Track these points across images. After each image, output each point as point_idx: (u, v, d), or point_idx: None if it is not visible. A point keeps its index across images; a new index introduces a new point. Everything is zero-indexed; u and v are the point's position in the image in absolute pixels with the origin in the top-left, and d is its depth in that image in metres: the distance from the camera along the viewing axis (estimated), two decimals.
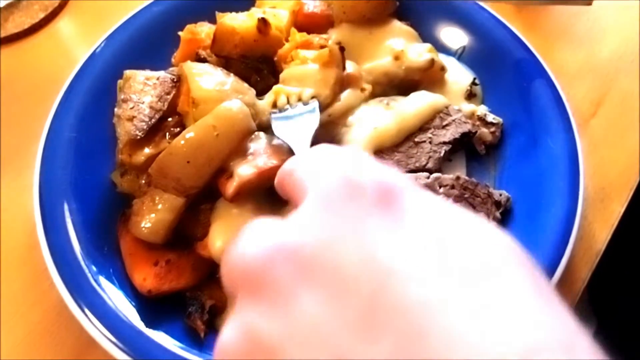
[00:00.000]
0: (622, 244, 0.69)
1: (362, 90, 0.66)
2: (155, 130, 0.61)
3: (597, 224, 0.65)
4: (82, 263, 0.56)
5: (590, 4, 0.62)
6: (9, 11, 0.84)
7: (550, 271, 0.55)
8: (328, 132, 0.62)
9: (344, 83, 0.64)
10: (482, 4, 0.74)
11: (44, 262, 0.56)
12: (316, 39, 0.68)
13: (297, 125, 0.58)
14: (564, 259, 0.56)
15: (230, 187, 0.55)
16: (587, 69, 0.78)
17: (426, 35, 0.74)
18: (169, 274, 0.56)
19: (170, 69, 0.67)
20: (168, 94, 0.63)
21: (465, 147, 0.67)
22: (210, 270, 0.58)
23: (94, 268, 0.57)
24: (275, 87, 0.63)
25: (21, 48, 0.82)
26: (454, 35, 0.75)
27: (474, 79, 0.71)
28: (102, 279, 0.56)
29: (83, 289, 0.55)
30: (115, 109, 0.62)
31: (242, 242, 0.28)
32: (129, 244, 0.58)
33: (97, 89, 0.68)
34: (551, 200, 0.59)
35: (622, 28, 0.82)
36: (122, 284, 0.57)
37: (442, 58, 0.71)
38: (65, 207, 0.60)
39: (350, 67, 0.66)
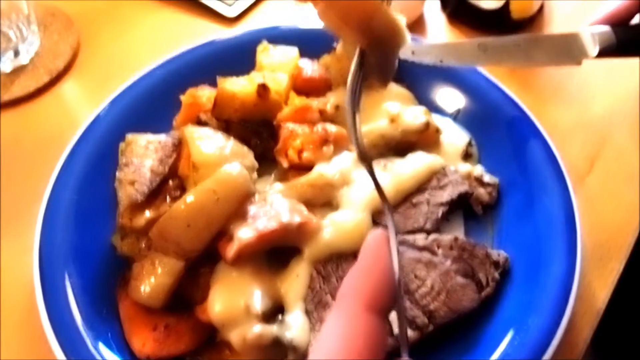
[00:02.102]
0: (623, 302, 0.69)
1: (351, 150, 0.67)
2: (156, 193, 0.62)
3: (596, 282, 0.65)
4: (81, 328, 0.56)
5: (580, 64, 0.64)
6: (14, 75, 0.87)
7: (551, 332, 0.55)
8: (325, 194, 0.63)
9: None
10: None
11: (42, 327, 0.56)
12: (315, 102, 0.69)
13: None
14: (565, 319, 0.56)
15: (231, 251, 0.56)
16: (580, 126, 0.79)
17: (422, 97, 0.75)
18: (167, 338, 0.56)
19: (171, 132, 0.68)
20: (169, 157, 0.64)
21: (462, 207, 0.67)
22: (209, 335, 0.58)
23: (93, 333, 0.56)
24: None
25: (26, 110, 0.84)
26: (449, 97, 0.76)
27: (470, 139, 0.72)
28: (101, 345, 0.56)
29: (81, 354, 0.54)
30: (117, 173, 0.63)
31: None
32: (128, 308, 0.58)
33: (99, 152, 0.69)
34: (549, 260, 0.60)
35: (612, 85, 0.84)
36: (120, 350, 0.57)
37: (438, 119, 0.72)
38: (65, 270, 0.60)
39: (334, 128, 0.67)
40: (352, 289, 0.33)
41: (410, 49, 0.70)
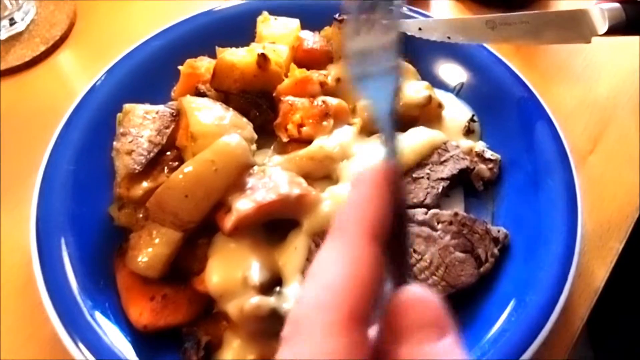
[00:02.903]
0: (621, 281, 0.69)
1: (351, 124, 0.66)
2: (154, 164, 0.61)
3: (595, 261, 0.65)
4: (78, 297, 0.56)
5: (589, 41, 0.63)
6: (10, 43, 0.85)
7: (548, 310, 0.54)
8: (324, 167, 0.62)
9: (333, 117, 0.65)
10: None
11: (40, 296, 0.56)
12: (315, 74, 0.68)
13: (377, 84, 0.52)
14: (563, 296, 0.55)
15: (229, 222, 0.55)
16: (584, 105, 0.79)
17: (424, 72, 0.75)
18: (165, 309, 0.56)
19: (170, 103, 0.67)
20: (167, 128, 0.63)
21: (463, 184, 0.67)
22: (206, 306, 0.57)
23: (90, 302, 0.56)
24: None
25: (22, 80, 0.83)
26: (452, 72, 0.75)
27: (473, 115, 0.71)
28: (98, 314, 0.56)
29: (78, 323, 0.54)
30: (114, 143, 0.62)
31: None
32: (125, 278, 0.58)
33: (96, 122, 0.68)
34: (549, 238, 0.59)
35: (618, 65, 0.83)
36: (117, 319, 0.56)
37: (441, 94, 0.71)
38: (62, 240, 0.59)
39: (335, 101, 0.66)
40: (352, 219, 0.30)
41: (417, 25, 0.70)
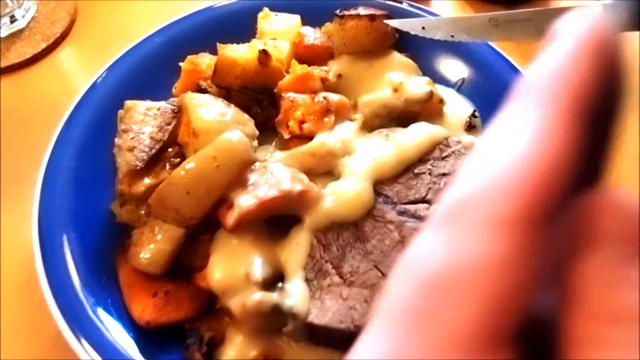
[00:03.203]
0: None
1: (353, 119, 0.66)
2: (156, 160, 0.61)
3: None
4: (80, 294, 0.56)
5: None
6: (11, 41, 0.85)
7: None
8: (326, 163, 0.62)
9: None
10: None
11: (42, 293, 0.56)
12: (316, 70, 0.68)
13: None
14: None
15: (231, 218, 0.55)
16: None
17: (426, 67, 0.75)
18: (167, 305, 0.56)
19: (171, 99, 0.67)
20: (168, 124, 0.63)
21: None
22: (209, 302, 0.57)
23: (92, 299, 0.56)
24: None
25: (22, 77, 0.83)
26: (453, 67, 0.75)
27: (474, 110, 0.71)
28: (100, 311, 0.56)
29: (81, 320, 0.54)
30: (116, 139, 0.62)
31: None
32: (128, 274, 0.58)
33: (97, 119, 0.68)
34: None
35: None
36: (120, 316, 0.57)
37: (442, 90, 0.71)
38: (64, 237, 0.60)
39: (336, 97, 0.66)
40: (550, 80, 0.22)
41: (420, 24, 0.70)
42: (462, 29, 0.68)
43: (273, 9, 0.76)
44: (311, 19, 0.76)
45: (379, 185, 0.61)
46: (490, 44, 0.74)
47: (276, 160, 0.62)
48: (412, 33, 0.69)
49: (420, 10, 0.78)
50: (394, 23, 0.71)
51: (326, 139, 0.63)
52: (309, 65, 0.69)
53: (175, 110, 0.64)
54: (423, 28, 0.69)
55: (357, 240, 0.58)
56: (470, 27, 0.68)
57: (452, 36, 0.68)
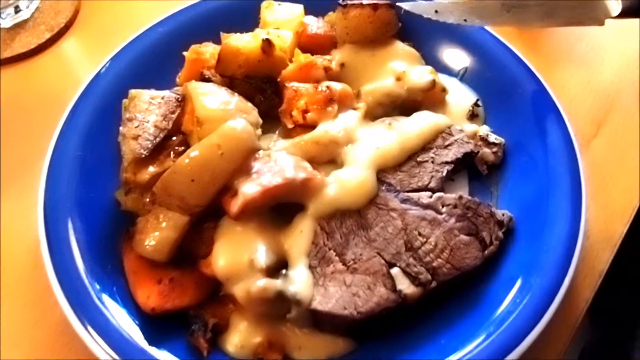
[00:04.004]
0: (625, 263, 0.69)
1: (356, 108, 0.66)
2: (160, 148, 0.61)
3: (599, 244, 0.65)
4: (86, 281, 0.57)
5: (602, 23, 0.63)
6: (15, 31, 0.86)
7: (553, 292, 0.55)
8: (329, 151, 0.62)
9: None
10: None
11: (48, 280, 0.56)
12: (320, 59, 0.68)
13: None
14: (567, 279, 0.56)
15: (235, 206, 0.56)
16: (588, 90, 0.78)
17: (428, 56, 0.75)
18: (172, 292, 0.56)
19: (175, 88, 0.67)
20: (173, 113, 0.63)
21: (467, 167, 0.67)
22: (213, 289, 0.58)
23: (98, 286, 0.57)
24: None
25: (27, 67, 0.83)
26: (456, 57, 0.75)
27: (477, 99, 0.71)
28: (106, 297, 0.56)
29: (86, 307, 0.55)
30: (121, 128, 0.63)
31: None
32: (133, 262, 0.59)
33: (102, 108, 0.69)
34: (554, 221, 0.60)
35: (622, 50, 0.83)
36: (125, 302, 0.57)
37: (445, 79, 0.72)
38: (70, 225, 0.60)
39: (339, 86, 0.67)
40: None
41: (433, 8, 0.70)
42: (475, 13, 0.68)
43: None
44: (314, 8, 0.76)
45: (382, 173, 0.61)
46: (493, 32, 0.74)
47: (280, 149, 0.62)
48: (425, 16, 0.69)
49: None
50: (406, 6, 0.71)
51: (329, 128, 0.63)
52: (312, 55, 0.69)
53: (180, 99, 0.64)
54: (436, 11, 0.68)
55: (360, 228, 0.58)
56: (483, 11, 0.68)
57: (465, 20, 0.68)
